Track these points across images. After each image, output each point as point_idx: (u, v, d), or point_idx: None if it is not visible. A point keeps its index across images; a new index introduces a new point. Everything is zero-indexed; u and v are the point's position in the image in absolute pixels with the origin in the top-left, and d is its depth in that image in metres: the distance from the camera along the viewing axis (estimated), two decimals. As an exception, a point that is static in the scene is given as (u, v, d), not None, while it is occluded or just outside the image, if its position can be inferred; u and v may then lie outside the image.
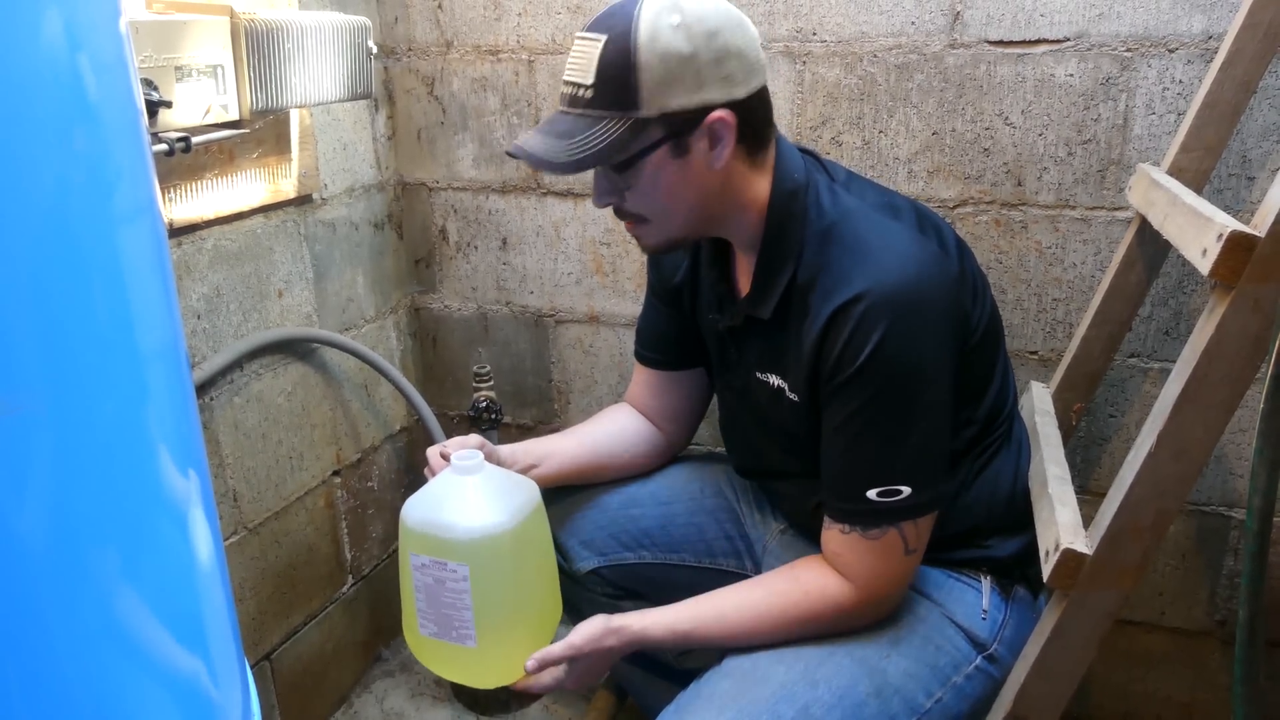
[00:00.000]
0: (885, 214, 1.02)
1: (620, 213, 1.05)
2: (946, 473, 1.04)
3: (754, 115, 0.99)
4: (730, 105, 0.95)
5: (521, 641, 1.10)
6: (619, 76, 0.93)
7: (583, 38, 0.96)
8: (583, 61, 0.95)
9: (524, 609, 1.11)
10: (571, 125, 0.96)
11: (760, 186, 1.03)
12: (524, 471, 1.23)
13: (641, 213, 1.03)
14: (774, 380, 1.08)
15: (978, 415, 1.08)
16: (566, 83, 0.98)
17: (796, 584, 1.05)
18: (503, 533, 1.06)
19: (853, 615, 1.04)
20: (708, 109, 0.95)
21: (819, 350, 0.99)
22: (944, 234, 1.06)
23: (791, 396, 1.06)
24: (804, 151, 1.08)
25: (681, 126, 0.95)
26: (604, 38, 0.93)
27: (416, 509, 1.09)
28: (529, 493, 1.13)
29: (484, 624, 1.07)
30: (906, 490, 0.98)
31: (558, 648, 1.06)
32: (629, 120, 0.94)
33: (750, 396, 1.13)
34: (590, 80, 0.94)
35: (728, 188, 1.01)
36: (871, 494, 0.98)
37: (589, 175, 1.05)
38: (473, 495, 1.08)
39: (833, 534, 1.03)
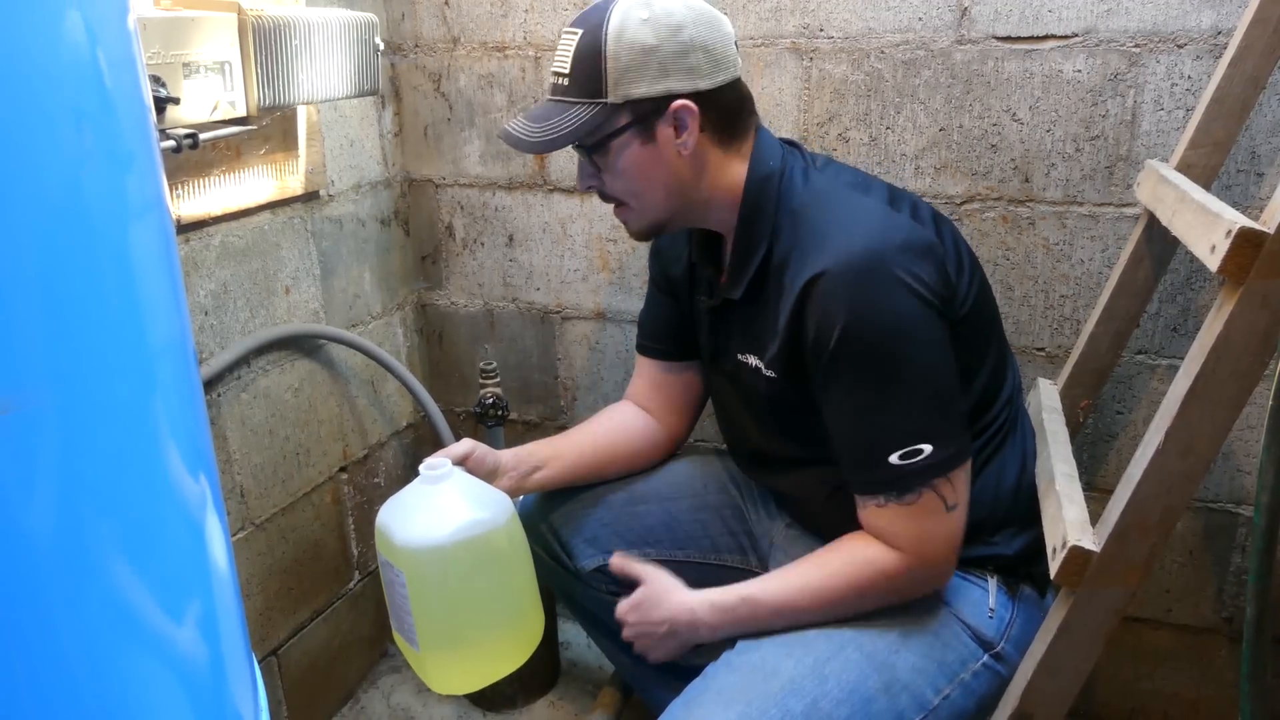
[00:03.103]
0: (856, 191, 1.06)
1: (603, 196, 1.11)
2: (965, 424, 1.04)
3: (722, 106, 1.05)
4: (695, 95, 1.01)
5: (470, 657, 1.09)
6: (590, 66, 1.01)
7: (566, 32, 1.04)
8: (563, 53, 1.04)
9: (470, 625, 1.09)
10: (548, 110, 1.05)
11: (737, 173, 1.07)
12: (529, 475, 1.23)
13: (620, 196, 1.09)
14: (752, 360, 1.10)
15: (971, 389, 1.08)
16: (552, 73, 1.07)
17: (848, 558, 1.05)
18: (436, 546, 1.04)
19: (905, 581, 1.03)
20: (671, 97, 1.01)
21: (793, 328, 1.02)
22: (919, 209, 1.08)
23: (768, 374, 1.08)
24: (787, 143, 1.12)
25: (647, 113, 1.02)
26: (580, 31, 1.02)
27: (385, 508, 1.09)
28: (493, 510, 1.08)
29: (424, 631, 1.07)
30: (927, 448, 0.98)
31: (639, 567, 1.16)
32: (597, 106, 1.02)
33: (738, 383, 1.15)
34: (567, 70, 1.03)
35: (702, 174, 1.07)
36: (894, 459, 0.99)
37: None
38: (426, 504, 1.07)
39: (869, 511, 1.03)
